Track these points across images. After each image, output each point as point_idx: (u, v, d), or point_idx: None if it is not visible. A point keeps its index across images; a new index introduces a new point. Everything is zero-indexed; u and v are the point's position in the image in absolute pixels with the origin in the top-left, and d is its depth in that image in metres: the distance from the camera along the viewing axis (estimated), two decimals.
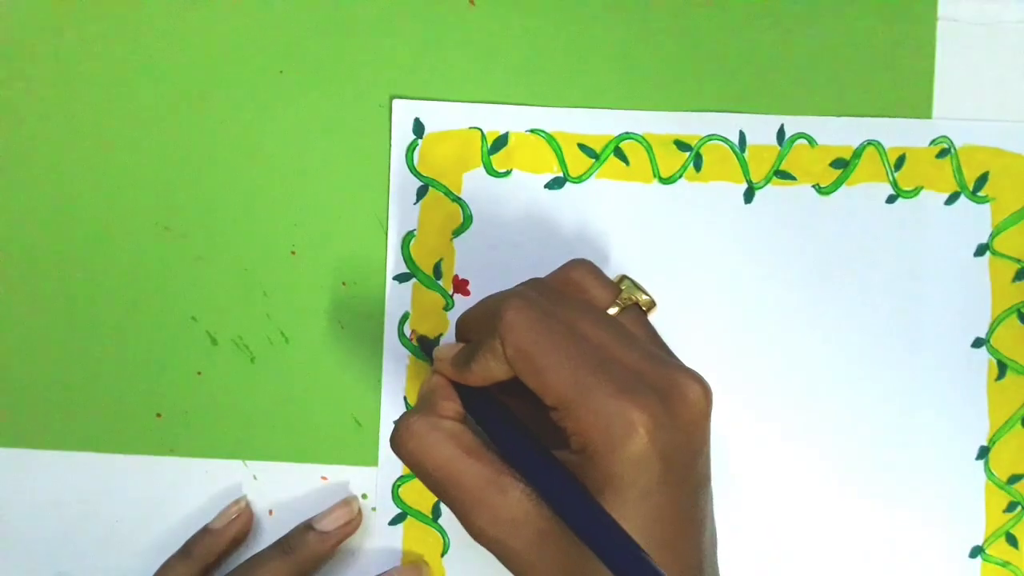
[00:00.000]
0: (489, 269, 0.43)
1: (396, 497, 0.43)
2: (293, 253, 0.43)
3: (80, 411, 0.44)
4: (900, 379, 0.43)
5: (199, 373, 0.43)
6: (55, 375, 0.44)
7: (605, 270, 0.42)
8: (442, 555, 0.43)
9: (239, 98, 0.43)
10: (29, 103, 0.43)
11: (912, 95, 0.43)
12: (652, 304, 0.37)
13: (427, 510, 0.43)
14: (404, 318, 0.43)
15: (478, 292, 0.43)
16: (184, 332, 0.43)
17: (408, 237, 0.43)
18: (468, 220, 0.43)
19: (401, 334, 0.43)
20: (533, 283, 0.36)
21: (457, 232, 0.43)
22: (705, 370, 0.42)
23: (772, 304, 0.43)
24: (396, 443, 0.34)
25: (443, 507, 0.43)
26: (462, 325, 0.38)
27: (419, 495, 0.43)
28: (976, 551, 0.44)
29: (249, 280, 0.43)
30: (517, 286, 0.36)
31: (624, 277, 0.37)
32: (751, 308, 0.43)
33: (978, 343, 0.44)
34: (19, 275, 0.44)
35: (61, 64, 0.43)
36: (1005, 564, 0.44)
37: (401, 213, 0.43)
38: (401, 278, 0.43)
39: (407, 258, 0.43)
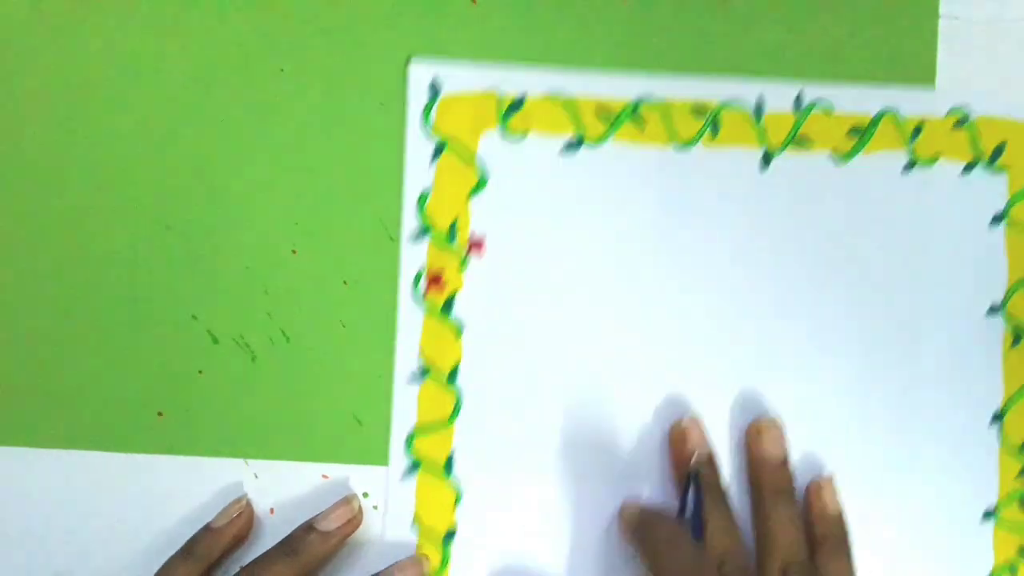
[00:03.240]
0: (505, 230, 0.43)
1: (410, 448, 0.43)
2: (294, 252, 0.43)
3: (81, 410, 0.43)
4: (915, 346, 0.43)
5: (200, 372, 0.43)
6: (56, 374, 0.43)
7: (618, 234, 0.43)
8: (455, 504, 0.43)
9: (240, 96, 0.43)
10: (30, 102, 0.43)
11: None
12: None
13: (441, 462, 0.43)
14: (418, 276, 0.43)
15: (493, 253, 0.43)
16: (185, 331, 0.43)
17: (423, 196, 0.43)
18: (483, 181, 0.43)
19: (416, 292, 0.43)
20: None
21: (473, 193, 0.43)
22: (719, 337, 0.43)
23: (786, 270, 0.43)
24: None
25: (455, 459, 0.43)
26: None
27: (432, 447, 0.43)
28: (988, 515, 0.44)
29: (250, 279, 0.43)
30: None
31: None
32: (766, 274, 0.43)
33: (993, 311, 0.44)
34: (20, 274, 0.44)
35: (61, 61, 0.43)
36: (1017, 527, 0.44)
37: (416, 172, 0.43)
38: (416, 237, 0.43)
39: (422, 217, 0.43)
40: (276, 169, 0.43)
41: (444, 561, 0.43)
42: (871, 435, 0.44)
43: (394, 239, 0.43)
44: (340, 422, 0.43)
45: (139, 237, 0.43)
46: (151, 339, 0.43)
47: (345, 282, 0.43)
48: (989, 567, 0.44)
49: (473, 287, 0.43)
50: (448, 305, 0.43)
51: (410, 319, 0.43)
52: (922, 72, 0.43)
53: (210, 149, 0.43)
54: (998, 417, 0.44)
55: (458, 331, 0.43)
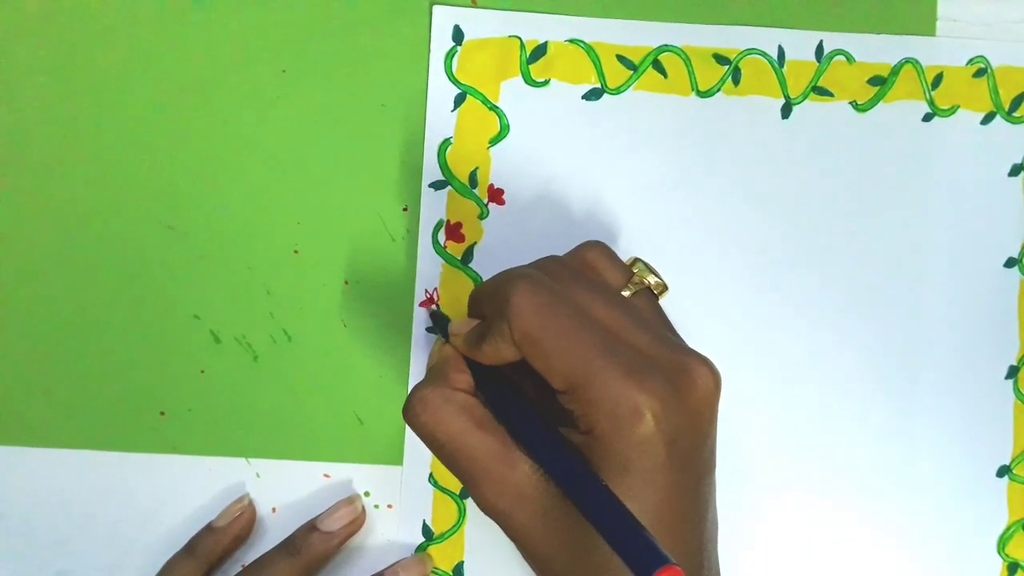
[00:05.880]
0: (525, 179, 0.43)
1: None
2: (296, 252, 0.43)
3: (83, 409, 0.43)
4: (931, 297, 0.44)
5: (202, 371, 0.43)
6: (58, 374, 0.43)
7: (643, 184, 0.43)
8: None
9: (242, 96, 0.43)
10: (32, 102, 0.43)
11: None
12: (664, 288, 0.37)
13: None
14: (439, 225, 0.43)
15: (513, 202, 0.43)
16: (187, 331, 0.43)
17: (444, 144, 0.43)
18: (505, 129, 0.43)
19: (435, 242, 0.43)
20: (544, 262, 0.36)
21: (494, 141, 0.43)
22: (739, 287, 0.43)
23: (806, 219, 0.43)
24: (409, 414, 0.34)
25: None
26: (474, 300, 0.38)
27: None
28: (1003, 470, 0.44)
29: (252, 279, 0.43)
30: (527, 265, 0.36)
31: (637, 260, 0.37)
32: (785, 223, 0.43)
33: (1010, 263, 0.44)
34: (22, 274, 0.43)
35: (63, 62, 0.43)
36: None
37: (438, 120, 0.43)
38: (437, 185, 0.43)
39: (443, 165, 0.43)
40: (278, 170, 0.43)
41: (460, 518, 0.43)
42: (883, 387, 0.44)
43: (395, 239, 0.43)
44: (341, 421, 0.43)
45: (141, 237, 0.43)
46: (153, 339, 0.43)
47: (347, 282, 0.43)
48: (1003, 524, 0.44)
49: (493, 238, 0.43)
50: (468, 256, 0.43)
51: (430, 270, 0.43)
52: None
53: (212, 149, 0.43)
54: (1014, 371, 0.44)
55: (478, 282, 0.43)
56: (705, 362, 0.33)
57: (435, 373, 0.36)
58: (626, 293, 0.36)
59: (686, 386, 0.32)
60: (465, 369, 0.36)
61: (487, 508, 0.34)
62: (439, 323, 0.41)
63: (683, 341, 0.36)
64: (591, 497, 0.30)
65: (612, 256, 0.37)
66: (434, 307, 0.43)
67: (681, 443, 0.32)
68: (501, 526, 0.34)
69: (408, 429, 0.43)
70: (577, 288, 0.34)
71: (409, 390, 0.42)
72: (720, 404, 0.34)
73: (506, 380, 0.35)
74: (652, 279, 0.37)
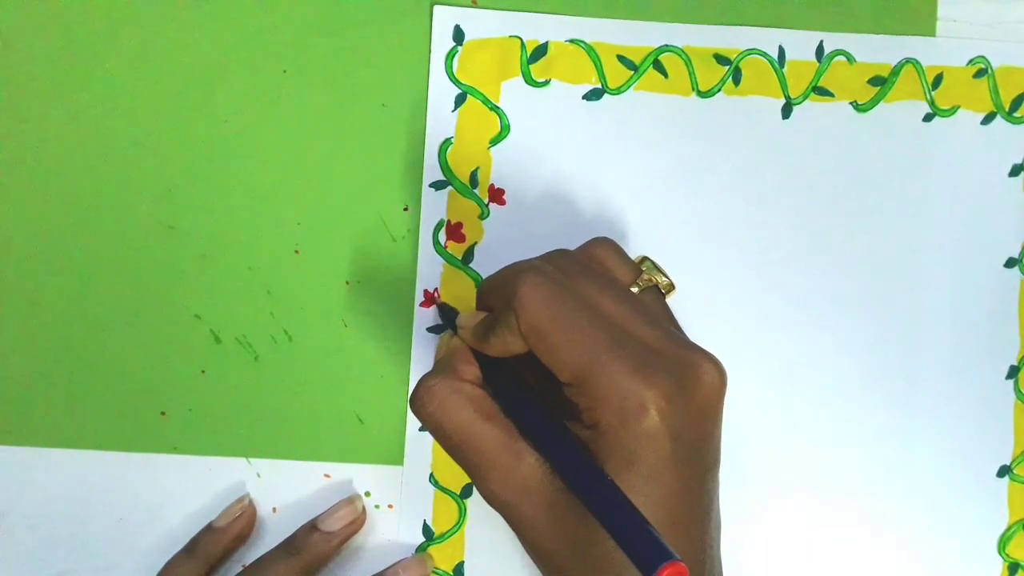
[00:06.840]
0: (526, 179, 0.43)
1: None
2: (296, 252, 0.43)
3: (84, 409, 0.43)
4: (931, 297, 0.44)
5: (203, 371, 0.43)
6: (59, 373, 0.43)
7: (643, 184, 0.43)
8: None
9: (243, 96, 0.43)
10: (33, 102, 0.43)
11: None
12: (671, 287, 0.37)
13: None
14: (440, 225, 0.43)
15: (514, 202, 0.43)
16: (188, 330, 0.43)
17: (445, 144, 0.43)
18: (506, 129, 0.43)
19: (436, 242, 0.43)
20: (553, 255, 0.36)
21: (494, 141, 0.43)
22: (739, 286, 0.43)
23: (805, 219, 0.43)
24: (416, 404, 0.35)
25: None
26: (483, 292, 0.38)
27: None
28: (1004, 470, 0.44)
29: (253, 279, 0.43)
30: (536, 258, 0.36)
31: (645, 258, 0.37)
32: (785, 223, 0.43)
33: (1010, 263, 0.44)
34: (23, 274, 0.43)
35: (63, 62, 0.43)
36: None
37: (439, 120, 0.43)
38: (437, 185, 0.43)
39: (444, 165, 0.43)
40: (278, 170, 0.43)
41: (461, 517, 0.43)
42: (883, 387, 0.44)
43: (396, 239, 0.43)
44: (342, 421, 0.43)
45: (142, 237, 0.43)
46: (154, 339, 0.43)
47: (347, 282, 0.43)
48: (1004, 524, 0.44)
49: (493, 238, 0.43)
50: (468, 256, 0.43)
51: (430, 269, 0.43)
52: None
53: (213, 149, 0.43)
54: (1014, 371, 0.44)
55: (478, 283, 0.43)
56: (711, 359, 0.33)
57: (443, 364, 0.36)
58: (634, 290, 0.36)
59: (692, 383, 0.32)
60: (473, 361, 0.36)
61: (492, 499, 0.34)
62: (447, 315, 0.41)
63: (689, 339, 0.36)
64: (596, 491, 0.30)
65: (621, 253, 0.37)
66: (440, 300, 0.43)
67: (686, 439, 0.32)
68: (505, 518, 0.34)
69: (408, 429, 0.43)
70: (585, 282, 0.34)
71: (410, 389, 0.42)
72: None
73: (513, 373, 0.35)
74: (660, 278, 0.37)
